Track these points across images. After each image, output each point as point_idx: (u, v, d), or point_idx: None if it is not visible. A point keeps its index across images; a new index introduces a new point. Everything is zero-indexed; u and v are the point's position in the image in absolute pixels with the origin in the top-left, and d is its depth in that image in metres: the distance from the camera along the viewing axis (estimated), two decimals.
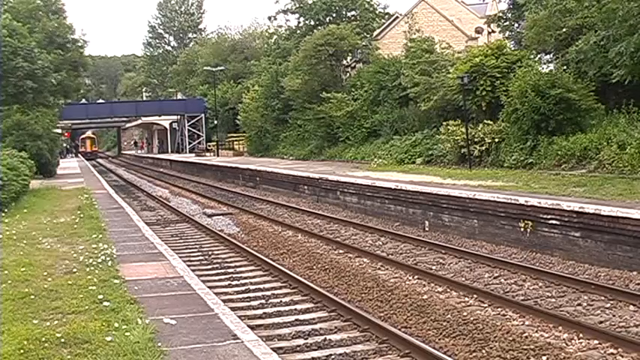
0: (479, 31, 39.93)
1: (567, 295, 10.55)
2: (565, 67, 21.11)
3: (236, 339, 6.52)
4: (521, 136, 21.24)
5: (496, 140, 22.53)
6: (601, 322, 9.20)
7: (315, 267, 13.59)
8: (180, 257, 11.77)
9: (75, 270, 9.67)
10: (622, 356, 7.98)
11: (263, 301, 10.97)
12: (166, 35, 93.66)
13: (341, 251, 15.03)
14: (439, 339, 8.86)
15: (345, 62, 40.08)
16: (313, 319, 9.82)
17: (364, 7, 45.74)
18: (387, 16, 48.17)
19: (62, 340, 6.40)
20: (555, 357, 7.99)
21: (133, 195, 32.28)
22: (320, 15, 45.04)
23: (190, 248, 16.25)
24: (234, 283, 12.35)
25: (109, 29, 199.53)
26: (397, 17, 45.45)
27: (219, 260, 14.58)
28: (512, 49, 26.33)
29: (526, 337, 8.68)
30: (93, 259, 10.35)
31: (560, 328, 8.96)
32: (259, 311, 10.34)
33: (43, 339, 6.40)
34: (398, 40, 38.84)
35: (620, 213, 11.91)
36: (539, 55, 24.75)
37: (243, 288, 11.89)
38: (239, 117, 48.08)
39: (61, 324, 6.97)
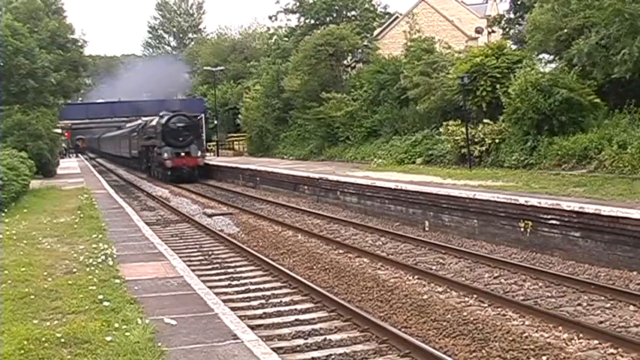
0: (479, 31, 39.96)
1: (567, 295, 10.55)
2: (567, 68, 21.03)
3: (236, 339, 6.52)
4: (522, 136, 21.21)
5: (496, 140, 22.50)
6: (601, 322, 9.20)
7: (315, 267, 13.59)
8: (180, 257, 11.78)
9: (75, 270, 9.67)
10: (622, 356, 7.98)
11: (263, 301, 10.97)
12: (166, 36, 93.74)
13: (341, 251, 15.03)
14: (439, 339, 8.86)
15: (345, 62, 40.02)
16: (313, 319, 9.83)
17: (364, 7, 45.73)
18: (387, 16, 48.16)
19: (62, 340, 6.40)
20: (555, 357, 7.99)
21: (133, 195, 32.26)
22: (320, 15, 45.01)
23: (190, 248, 16.26)
24: (234, 283, 12.35)
25: (109, 29, 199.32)
26: (397, 17, 45.46)
27: (219, 260, 14.58)
28: (513, 49, 26.29)
29: (526, 337, 8.68)
30: (93, 259, 10.35)
31: (560, 328, 8.96)
32: (259, 311, 10.35)
33: (43, 339, 6.40)
34: (398, 40, 38.79)
35: (620, 213, 11.91)
36: (540, 56, 24.69)
37: (243, 288, 11.89)
38: (239, 117, 48.09)
39: (61, 324, 6.98)
